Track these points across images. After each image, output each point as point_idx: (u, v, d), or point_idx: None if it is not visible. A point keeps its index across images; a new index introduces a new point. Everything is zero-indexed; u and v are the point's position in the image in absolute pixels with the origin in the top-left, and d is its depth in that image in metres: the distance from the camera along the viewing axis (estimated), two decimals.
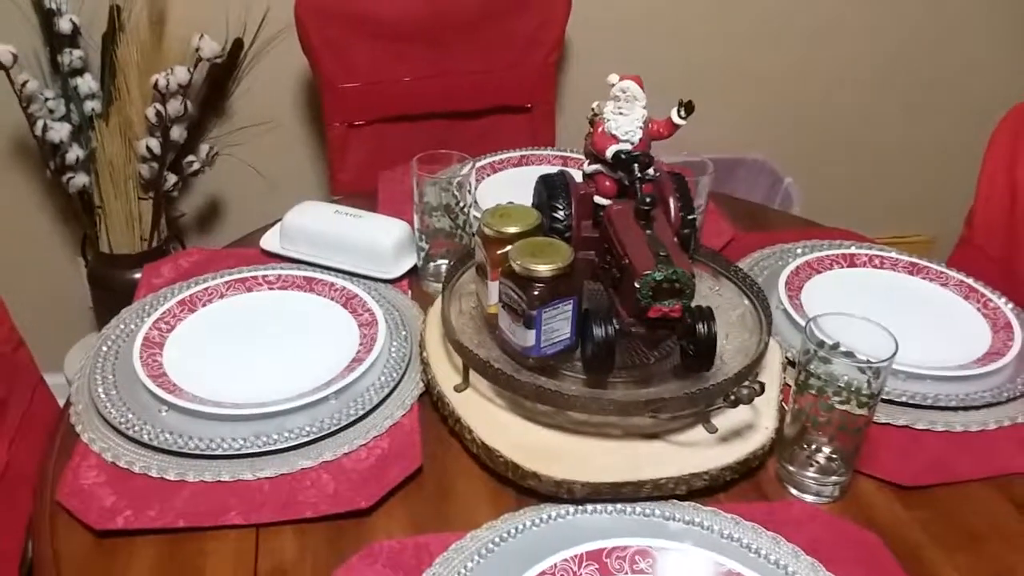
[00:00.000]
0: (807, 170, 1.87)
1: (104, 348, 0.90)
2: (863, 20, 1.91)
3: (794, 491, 0.77)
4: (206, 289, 0.98)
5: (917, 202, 2.13)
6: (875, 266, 1.07)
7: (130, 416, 0.80)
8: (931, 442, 0.82)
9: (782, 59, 1.92)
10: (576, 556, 0.67)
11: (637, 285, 0.73)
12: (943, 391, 0.86)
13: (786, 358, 0.89)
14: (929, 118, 2.05)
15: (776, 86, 1.94)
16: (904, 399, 0.85)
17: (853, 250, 1.09)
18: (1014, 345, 0.91)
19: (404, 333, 0.93)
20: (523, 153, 1.32)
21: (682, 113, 0.84)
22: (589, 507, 0.73)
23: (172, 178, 1.61)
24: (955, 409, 0.85)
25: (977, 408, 0.85)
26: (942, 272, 1.04)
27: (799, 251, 1.10)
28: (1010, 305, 0.98)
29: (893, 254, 1.08)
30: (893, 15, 1.91)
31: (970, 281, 1.02)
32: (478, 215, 1.02)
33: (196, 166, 1.64)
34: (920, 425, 0.83)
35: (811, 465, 0.75)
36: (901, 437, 0.82)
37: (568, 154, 1.32)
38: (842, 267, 1.06)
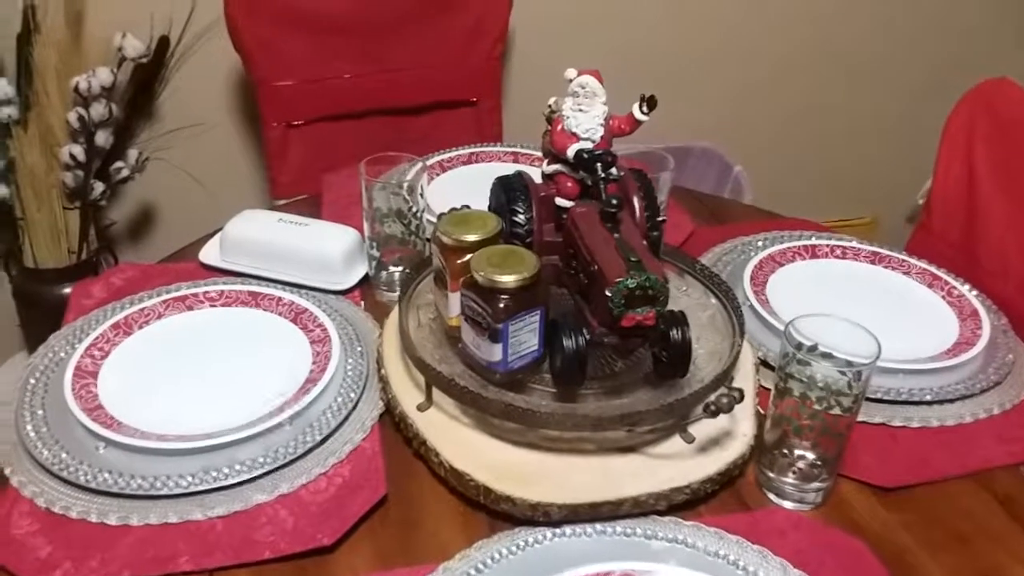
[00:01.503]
0: (754, 157, 1.86)
1: (32, 380, 0.83)
2: (805, 6, 1.91)
3: (775, 498, 0.74)
4: (142, 310, 0.91)
5: (861, 185, 2.15)
6: (837, 256, 1.05)
7: (64, 456, 0.74)
8: (909, 439, 0.80)
9: (727, 46, 1.91)
10: None
11: (609, 293, 0.69)
12: (916, 385, 0.84)
13: (758, 359, 0.86)
14: (870, 102, 2.07)
15: (721, 73, 1.93)
16: (879, 395, 0.83)
17: (814, 241, 1.07)
18: (983, 334, 0.90)
19: (359, 349, 0.88)
20: (472, 150, 1.27)
21: (644, 108, 0.80)
22: (567, 529, 0.69)
23: (99, 186, 1.53)
24: (930, 403, 0.83)
25: (952, 401, 0.83)
26: (904, 260, 1.03)
27: (760, 244, 1.08)
28: (974, 292, 0.97)
29: (854, 243, 1.06)
30: (837, 2, 1.92)
31: (933, 269, 1.01)
32: (431, 219, 0.97)
33: (125, 173, 1.56)
34: (896, 422, 0.81)
35: (792, 472, 0.73)
36: (878, 436, 0.80)
37: (519, 150, 1.28)
38: (804, 259, 1.04)
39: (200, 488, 0.71)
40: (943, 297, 0.97)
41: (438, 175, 1.22)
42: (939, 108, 1.24)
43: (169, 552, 0.67)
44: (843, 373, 0.67)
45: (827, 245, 1.05)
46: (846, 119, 2.07)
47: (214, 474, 0.72)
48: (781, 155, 2.04)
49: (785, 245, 1.05)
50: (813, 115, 2.04)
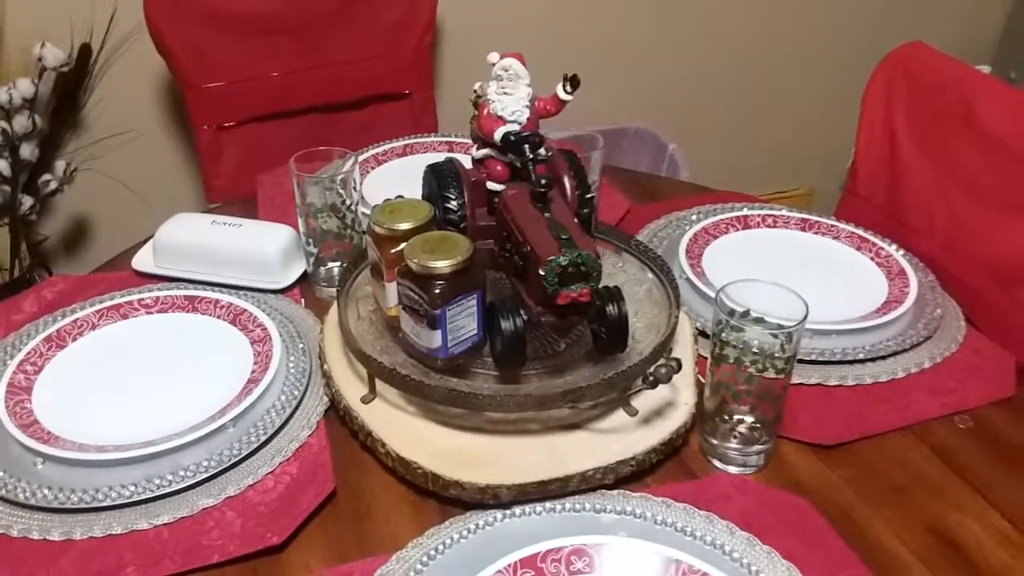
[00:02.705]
0: (688, 135, 1.89)
1: None
2: None
3: (719, 464, 0.76)
4: (75, 321, 0.89)
5: (794, 157, 2.19)
6: (768, 226, 1.07)
7: (1, 474, 0.72)
8: (845, 397, 0.82)
9: (656, 26, 1.93)
10: (510, 565, 0.63)
11: (542, 272, 0.69)
12: (850, 344, 0.86)
13: (696, 329, 0.87)
14: (801, 74, 2.10)
15: (652, 54, 1.95)
16: (813, 356, 0.85)
17: (745, 212, 1.09)
18: (910, 291, 0.92)
19: (301, 346, 0.87)
20: (407, 142, 1.27)
21: (568, 88, 0.80)
22: (517, 510, 0.69)
23: (28, 200, 1.49)
24: (863, 361, 0.85)
25: (884, 358, 0.86)
26: (833, 226, 1.05)
27: (694, 218, 1.09)
28: (901, 252, 1.00)
29: (784, 212, 1.08)
30: None
31: (860, 232, 1.04)
32: (367, 212, 0.97)
33: (53, 185, 1.52)
34: (832, 381, 0.83)
35: (734, 436, 0.74)
36: (816, 396, 0.82)
37: (453, 139, 1.27)
38: (737, 230, 1.06)
39: (144, 497, 0.70)
40: (871, 258, 1.00)
41: (373, 168, 1.21)
42: (868, 76, 1.27)
43: (115, 564, 0.66)
44: (775, 336, 0.68)
45: (758, 215, 1.07)
46: (778, 92, 2.10)
47: (157, 481, 0.71)
48: (715, 132, 2.07)
49: (718, 217, 1.07)
50: (745, 90, 2.07)
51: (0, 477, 0.72)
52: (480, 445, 0.73)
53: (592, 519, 0.69)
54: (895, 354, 0.86)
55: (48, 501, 0.70)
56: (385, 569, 0.65)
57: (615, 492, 0.71)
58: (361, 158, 1.20)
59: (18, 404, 0.79)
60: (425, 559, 0.65)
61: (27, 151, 1.45)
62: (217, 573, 0.67)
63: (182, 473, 0.72)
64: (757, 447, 0.74)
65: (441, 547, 0.66)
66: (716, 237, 1.04)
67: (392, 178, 1.19)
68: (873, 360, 0.85)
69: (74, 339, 0.88)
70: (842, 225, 1.05)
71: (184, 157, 1.73)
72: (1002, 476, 0.75)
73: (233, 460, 0.74)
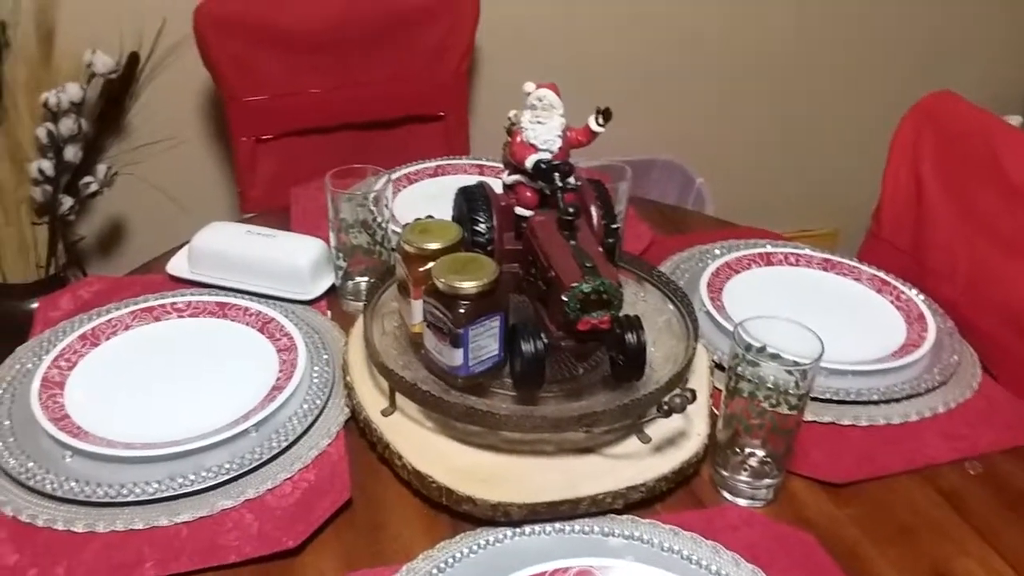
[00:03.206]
0: (716, 169, 1.90)
1: None
2: (767, 21, 1.95)
3: (729, 496, 0.77)
4: (109, 321, 0.92)
5: (821, 197, 2.20)
6: (790, 263, 1.08)
7: (31, 465, 0.75)
8: (857, 437, 0.83)
9: (688, 60, 1.95)
10: None
11: (565, 298, 0.71)
12: (864, 385, 0.87)
13: (713, 361, 0.89)
14: (832, 115, 2.12)
15: (684, 88, 1.97)
16: (828, 395, 0.86)
17: (768, 248, 1.10)
18: (928, 336, 0.93)
19: (325, 357, 0.90)
20: (439, 163, 1.29)
21: (600, 120, 0.83)
22: (527, 529, 0.71)
23: (68, 201, 1.53)
24: (877, 403, 0.86)
25: (898, 400, 0.86)
26: (855, 267, 1.06)
27: (717, 252, 1.11)
28: (921, 296, 1.01)
29: (807, 251, 1.10)
30: (794, 14, 1.97)
31: (881, 275, 1.04)
32: (397, 230, 0.99)
33: (94, 187, 1.56)
34: (845, 421, 0.84)
35: (744, 469, 0.75)
36: (827, 434, 0.83)
37: (484, 162, 1.30)
38: (759, 266, 1.08)
39: (166, 495, 0.73)
40: (891, 301, 1.01)
41: (405, 187, 1.24)
42: (897, 120, 1.28)
43: (135, 558, 0.68)
44: (790, 372, 0.70)
45: (781, 253, 1.09)
46: (808, 132, 2.12)
47: (180, 481, 0.74)
48: (743, 168, 2.08)
49: (741, 253, 1.08)
50: (775, 128, 2.09)
51: (30, 468, 0.74)
52: (495, 463, 0.75)
53: (600, 542, 0.70)
54: (909, 397, 0.87)
55: (75, 494, 0.72)
56: None
57: (624, 517, 0.73)
58: (393, 176, 1.23)
59: (51, 398, 0.82)
60: (435, 571, 0.67)
61: (71, 153, 1.49)
62: (232, 573, 0.68)
63: (204, 474, 0.74)
64: (767, 481, 0.75)
65: (451, 560, 0.68)
66: (738, 272, 1.05)
67: (423, 198, 1.21)
68: (887, 402, 0.86)
69: (107, 338, 0.91)
70: (864, 267, 1.06)
71: (221, 167, 1.77)
72: (1009, 523, 0.75)
73: (254, 464, 0.76)
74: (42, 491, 0.73)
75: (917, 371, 0.90)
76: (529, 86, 0.82)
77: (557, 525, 0.71)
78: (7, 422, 0.80)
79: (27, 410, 0.79)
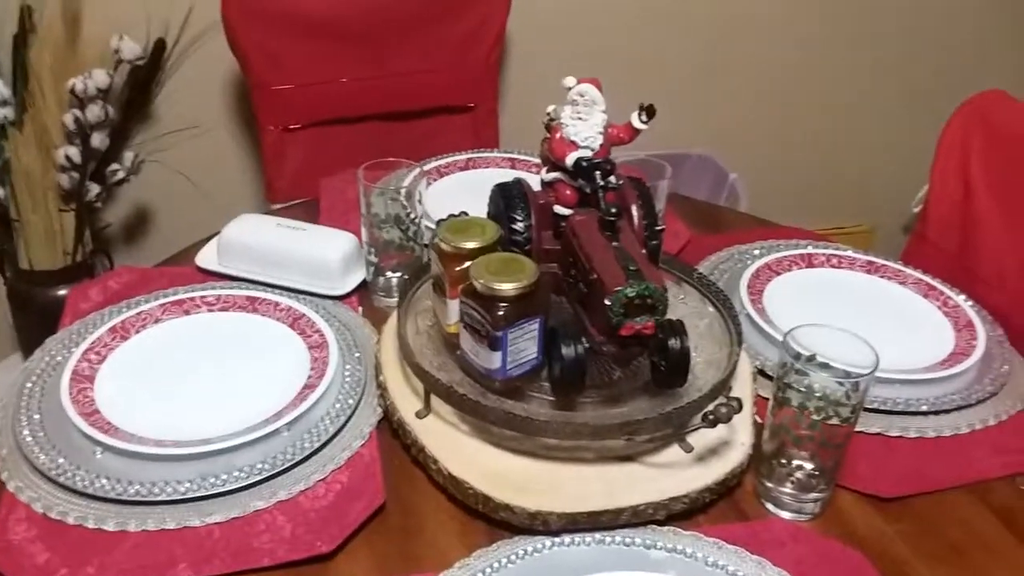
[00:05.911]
0: (750, 164, 1.87)
1: (28, 384, 0.82)
2: (802, 16, 1.92)
3: (773, 508, 0.74)
4: (139, 313, 0.91)
5: (857, 193, 2.16)
6: (833, 266, 1.06)
7: (61, 461, 0.73)
8: (905, 450, 0.80)
9: (723, 54, 1.92)
10: None
11: (608, 302, 0.69)
12: (913, 395, 0.84)
13: (756, 368, 0.86)
14: (866, 110, 2.08)
15: (718, 81, 1.94)
16: (876, 405, 0.83)
17: (810, 250, 1.07)
18: (978, 345, 0.90)
19: (357, 355, 0.88)
20: (469, 156, 1.27)
21: (643, 117, 0.80)
22: (567, 539, 0.69)
23: (95, 188, 1.52)
24: (926, 414, 0.83)
25: (948, 412, 0.84)
26: (900, 271, 1.03)
27: (756, 252, 1.08)
28: (969, 303, 0.98)
29: (850, 253, 1.07)
30: (831, 8, 1.93)
31: (928, 279, 1.01)
32: (429, 225, 0.97)
33: (120, 175, 1.55)
34: (893, 432, 0.81)
35: (791, 482, 0.73)
36: (875, 446, 0.80)
37: (515, 156, 1.28)
38: (801, 268, 1.05)
39: (198, 494, 0.71)
40: (939, 307, 0.98)
41: (435, 180, 1.22)
42: (935, 116, 1.25)
43: (166, 558, 0.67)
44: (841, 383, 0.67)
45: (823, 254, 1.06)
46: (842, 127, 2.08)
47: (212, 480, 0.72)
48: (777, 163, 2.04)
49: (781, 254, 1.05)
50: (809, 122, 2.05)
51: (60, 464, 0.73)
52: (532, 469, 0.73)
53: (642, 554, 0.68)
54: (959, 408, 0.84)
55: (106, 491, 0.71)
56: None
57: (666, 528, 0.70)
58: (424, 168, 1.21)
59: (81, 392, 0.80)
60: None
61: (97, 140, 1.48)
62: None
63: (236, 474, 0.73)
64: (814, 495, 0.73)
65: (488, 570, 0.66)
66: (779, 274, 1.03)
67: (453, 191, 1.19)
68: (936, 413, 0.83)
69: (137, 331, 0.89)
70: (909, 271, 1.03)
71: (247, 155, 1.76)
72: None
73: (286, 464, 0.74)
74: (73, 488, 0.71)
75: (967, 380, 0.87)
76: (570, 81, 0.80)
77: (597, 536, 0.69)
78: (37, 416, 0.78)
79: (57, 404, 0.78)
